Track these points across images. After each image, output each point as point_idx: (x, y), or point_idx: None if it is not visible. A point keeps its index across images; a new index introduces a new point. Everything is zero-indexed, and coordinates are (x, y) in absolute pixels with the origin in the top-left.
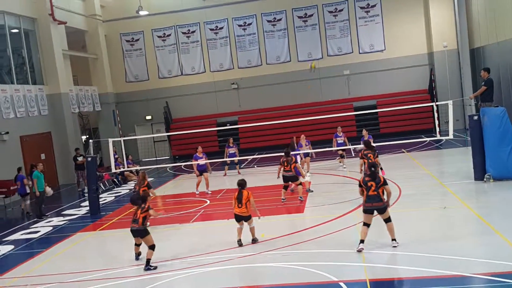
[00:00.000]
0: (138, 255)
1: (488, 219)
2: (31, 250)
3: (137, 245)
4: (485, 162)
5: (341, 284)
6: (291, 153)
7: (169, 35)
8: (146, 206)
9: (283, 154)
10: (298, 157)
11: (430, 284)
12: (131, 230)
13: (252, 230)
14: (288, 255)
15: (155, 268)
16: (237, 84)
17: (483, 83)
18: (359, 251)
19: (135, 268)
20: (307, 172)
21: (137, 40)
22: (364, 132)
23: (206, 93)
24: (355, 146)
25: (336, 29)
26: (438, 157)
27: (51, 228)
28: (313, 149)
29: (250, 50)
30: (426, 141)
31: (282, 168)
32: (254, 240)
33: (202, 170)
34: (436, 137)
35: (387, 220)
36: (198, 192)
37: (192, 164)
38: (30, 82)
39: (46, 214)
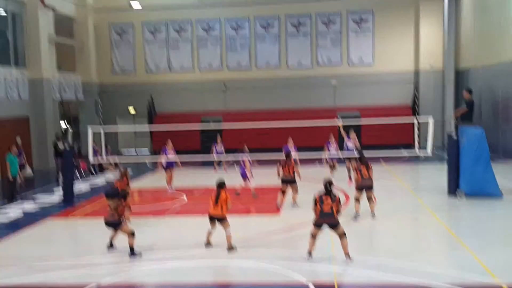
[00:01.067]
0: (111, 245)
1: (457, 232)
2: None
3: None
4: (459, 179)
5: (310, 285)
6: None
7: (160, 30)
8: (125, 204)
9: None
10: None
11: None
12: (106, 223)
13: (228, 238)
14: (261, 254)
15: (140, 253)
16: (225, 85)
17: (465, 104)
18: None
19: (103, 257)
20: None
21: (127, 32)
22: (352, 135)
23: (192, 91)
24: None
25: (328, 40)
26: (414, 171)
27: (22, 212)
28: (299, 155)
29: (241, 53)
30: (406, 157)
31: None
32: (230, 249)
33: (170, 165)
34: (416, 153)
35: (342, 236)
36: (171, 190)
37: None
38: (12, 64)
39: (18, 198)
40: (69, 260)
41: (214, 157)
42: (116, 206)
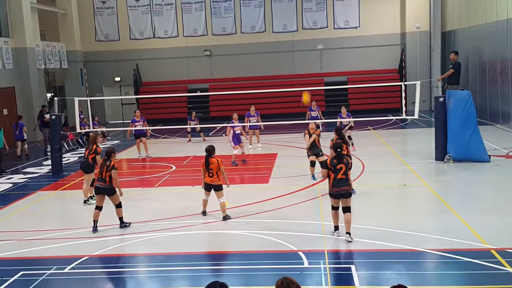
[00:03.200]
0: (95, 222)
1: (445, 198)
2: None
3: (99, 208)
4: (446, 143)
5: (300, 253)
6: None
7: None
8: (111, 164)
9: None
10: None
11: (384, 257)
12: (97, 188)
13: (222, 205)
14: (250, 223)
15: (130, 224)
16: (210, 51)
17: (451, 65)
18: (337, 235)
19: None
20: (258, 144)
21: None
22: (343, 110)
23: (177, 58)
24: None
25: (313, 2)
26: (402, 136)
27: (11, 185)
28: (284, 121)
29: (225, 17)
30: (392, 120)
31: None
32: (226, 218)
33: (139, 134)
34: (402, 116)
35: (347, 209)
36: (140, 156)
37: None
38: None
39: (6, 171)
40: (60, 233)
41: (188, 127)
42: (106, 167)
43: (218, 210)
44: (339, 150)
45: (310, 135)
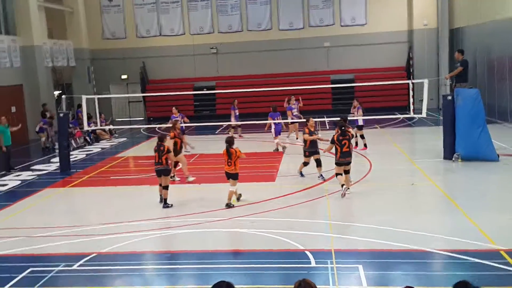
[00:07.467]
0: (162, 196)
1: (454, 197)
2: None
3: (162, 185)
4: (455, 142)
5: (307, 252)
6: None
7: None
8: (166, 148)
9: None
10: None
11: (391, 257)
12: (156, 170)
13: (230, 193)
14: (257, 222)
15: (172, 205)
16: (217, 49)
17: (458, 64)
18: (344, 194)
19: (102, 226)
20: (297, 139)
21: None
22: (355, 103)
23: (184, 56)
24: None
25: None
26: (410, 135)
27: (20, 182)
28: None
29: (232, 15)
30: (400, 118)
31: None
32: (228, 205)
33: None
34: (409, 114)
35: (348, 171)
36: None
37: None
38: (3, 32)
39: (15, 168)
40: (68, 230)
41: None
42: (160, 152)
43: (227, 208)
44: (343, 128)
45: (311, 133)
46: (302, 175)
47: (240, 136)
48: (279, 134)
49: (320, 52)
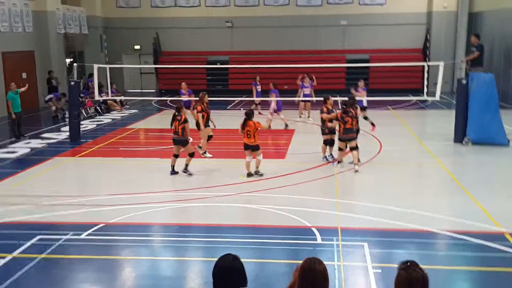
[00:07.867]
0: (173, 167)
1: (461, 179)
2: (7, 170)
3: (175, 156)
4: (466, 126)
5: (313, 229)
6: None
7: None
8: (183, 118)
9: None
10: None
11: (396, 236)
12: (173, 140)
13: (257, 162)
14: (266, 198)
15: (191, 174)
16: (232, 23)
17: (475, 48)
18: (335, 162)
19: (110, 197)
20: (309, 118)
21: None
22: (361, 83)
23: (198, 29)
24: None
25: None
26: (422, 117)
27: (29, 149)
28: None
29: None
30: (413, 100)
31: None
32: (257, 173)
33: (185, 106)
34: (423, 97)
35: (354, 148)
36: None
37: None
38: None
39: (25, 135)
40: (76, 199)
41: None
42: (178, 122)
43: (257, 175)
44: (344, 106)
45: (329, 111)
46: (326, 158)
47: (260, 113)
48: (280, 110)
49: (337, 31)
